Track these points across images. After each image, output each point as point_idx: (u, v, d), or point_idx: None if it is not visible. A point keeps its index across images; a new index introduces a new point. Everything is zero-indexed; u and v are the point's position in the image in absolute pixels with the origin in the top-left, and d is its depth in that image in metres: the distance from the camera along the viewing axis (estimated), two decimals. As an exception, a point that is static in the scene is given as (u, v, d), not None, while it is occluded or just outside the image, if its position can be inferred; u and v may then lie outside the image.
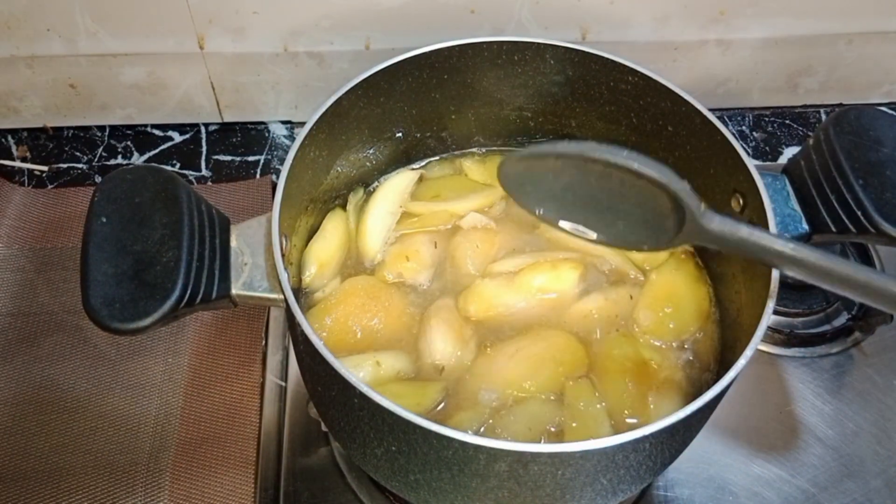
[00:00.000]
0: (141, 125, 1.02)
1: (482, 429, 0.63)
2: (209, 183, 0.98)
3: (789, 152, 1.03)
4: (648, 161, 0.51)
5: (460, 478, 0.55)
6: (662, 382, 0.66)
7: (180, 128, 1.03)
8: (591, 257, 0.73)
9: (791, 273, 0.51)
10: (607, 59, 0.71)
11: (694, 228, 0.52)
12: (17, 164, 0.99)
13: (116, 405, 0.79)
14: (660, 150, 0.74)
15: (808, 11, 0.93)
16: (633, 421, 0.64)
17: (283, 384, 0.82)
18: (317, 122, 0.66)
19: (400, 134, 0.78)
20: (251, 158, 1.01)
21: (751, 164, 0.63)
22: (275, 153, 1.01)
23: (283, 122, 1.04)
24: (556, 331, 0.69)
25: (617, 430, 0.62)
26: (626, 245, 0.58)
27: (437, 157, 0.83)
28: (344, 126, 0.71)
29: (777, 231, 0.61)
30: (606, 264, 0.73)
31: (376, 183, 0.80)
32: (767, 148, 1.04)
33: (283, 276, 0.57)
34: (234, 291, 0.59)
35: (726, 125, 0.81)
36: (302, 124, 0.66)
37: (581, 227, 0.57)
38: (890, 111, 0.82)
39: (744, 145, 1.00)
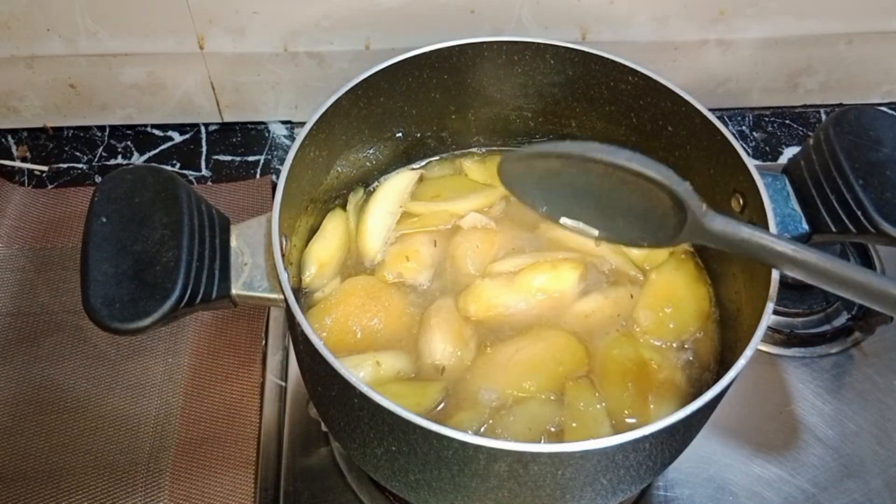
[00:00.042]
0: (141, 125, 1.03)
1: (482, 429, 0.63)
2: (209, 183, 0.98)
3: (789, 152, 1.03)
4: (649, 161, 0.51)
5: (460, 478, 0.55)
6: (662, 382, 0.66)
7: (180, 128, 1.03)
8: (591, 257, 0.73)
9: (791, 273, 0.51)
10: (607, 59, 0.71)
11: (695, 228, 0.52)
12: (17, 164, 0.99)
13: (116, 405, 0.79)
14: (660, 150, 0.74)
15: (808, 11, 0.93)
16: (633, 421, 0.64)
17: (283, 384, 0.82)
18: (317, 122, 0.66)
19: (400, 134, 0.78)
20: (251, 158, 1.01)
21: (751, 164, 0.63)
22: (275, 153, 1.01)
23: (283, 122, 1.04)
24: (556, 331, 0.69)
25: (617, 430, 0.62)
26: (627, 241, 0.58)
27: (437, 157, 0.83)
28: (344, 126, 0.71)
29: (777, 231, 0.61)
30: (606, 264, 0.73)
31: (376, 183, 0.80)
32: (767, 148, 1.04)
33: (283, 276, 0.57)
34: (234, 291, 0.59)
35: (726, 125, 0.81)
36: (302, 124, 0.66)
37: (581, 225, 0.57)
38: (890, 111, 0.82)
39: (744, 145, 1.00)
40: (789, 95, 1.06)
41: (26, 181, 0.97)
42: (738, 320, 0.67)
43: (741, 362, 0.54)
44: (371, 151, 0.77)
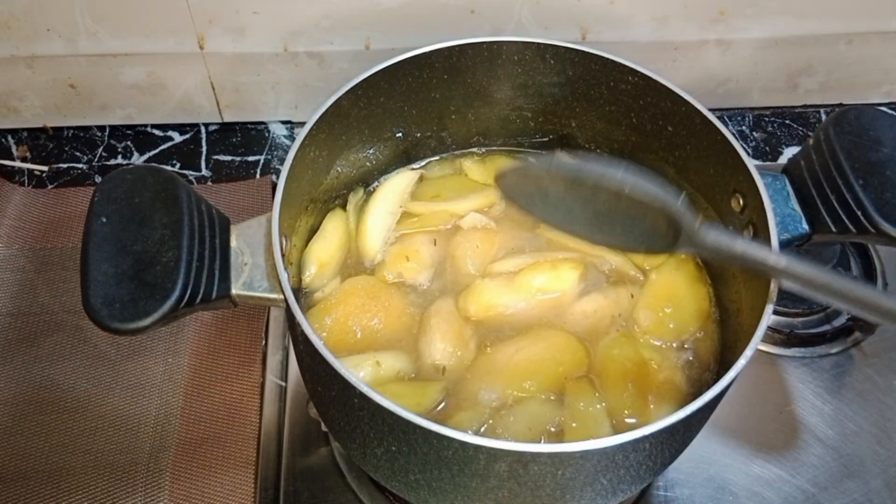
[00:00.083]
0: (141, 125, 1.02)
1: (482, 429, 0.63)
2: (209, 183, 0.98)
3: (789, 152, 1.03)
4: (642, 181, 0.52)
5: (460, 478, 0.55)
6: (662, 382, 0.66)
7: (180, 128, 1.03)
8: (591, 257, 0.73)
9: (787, 284, 0.52)
10: (607, 59, 0.71)
11: (690, 241, 0.53)
12: (17, 164, 0.99)
13: (116, 405, 0.79)
14: (660, 150, 0.74)
15: (808, 11, 0.93)
16: (633, 421, 0.64)
17: (283, 384, 0.82)
18: (317, 122, 0.66)
19: (400, 134, 0.78)
20: (251, 158, 1.01)
21: (751, 164, 0.63)
22: (275, 153, 1.01)
23: (283, 122, 1.04)
24: (556, 331, 0.69)
25: (617, 430, 0.62)
26: (625, 249, 0.59)
27: (437, 157, 0.83)
28: (344, 126, 0.71)
29: (777, 231, 0.61)
30: (606, 264, 0.73)
31: (376, 183, 0.80)
32: (767, 148, 1.04)
33: (283, 276, 0.57)
34: (234, 291, 0.59)
35: (726, 125, 0.81)
36: (302, 124, 0.66)
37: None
38: (890, 111, 0.82)
39: (744, 145, 1.00)
40: (789, 95, 1.06)
41: (26, 181, 0.97)
42: (738, 320, 0.67)
43: (741, 362, 0.54)
44: (371, 151, 0.77)
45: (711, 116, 0.67)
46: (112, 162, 1.00)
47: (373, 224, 0.75)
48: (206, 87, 0.97)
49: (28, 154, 1.00)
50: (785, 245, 0.63)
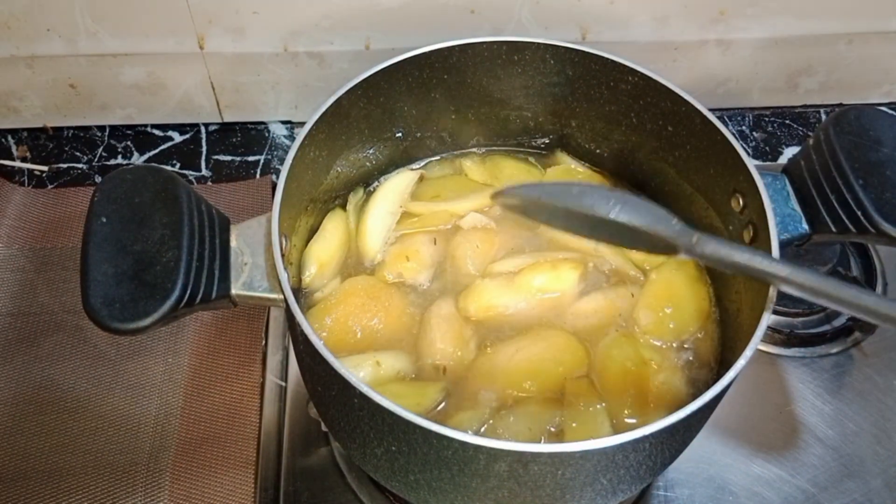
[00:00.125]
0: (141, 125, 1.03)
1: (482, 429, 0.63)
2: (209, 183, 0.98)
3: (789, 152, 1.03)
4: (634, 208, 0.53)
5: (460, 478, 0.55)
6: (662, 382, 0.66)
7: (180, 128, 1.03)
8: (591, 257, 0.73)
9: (787, 291, 0.52)
10: (607, 59, 0.71)
11: (689, 252, 0.54)
12: (17, 164, 0.99)
13: (116, 405, 0.79)
14: (660, 150, 0.74)
15: (808, 11, 0.93)
16: (633, 421, 0.64)
17: (283, 384, 0.82)
18: (317, 122, 0.66)
19: (400, 134, 0.78)
20: (251, 158, 1.01)
21: (751, 164, 0.63)
22: (275, 153, 1.01)
23: (283, 122, 1.04)
24: (556, 331, 0.69)
25: (617, 430, 0.62)
26: (628, 247, 0.59)
27: (437, 157, 0.83)
28: (344, 126, 0.71)
29: (777, 231, 0.61)
30: (606, 264, 0.73)
31: (376, 183, 0.80)
32: (767, 148, 1.04)
33: (283, 276, 0.57)
34: (234, 291, 0.59)
35: (726, 125, 0.81)
36: (302, 124, 0.66)
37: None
38: (890, 111, 0.82)
39: (744, 145, 1.00)
40: (789, 95, 1.06)
41: (26, 181, 0.97)
42: (738, 320, 0.67)
43: (741, 362, 0.54)
44: (371, 151, 0.77)
45: (711, 116, 0.67)
46: (112, 162, 1.00)
47: (373, 224, 0.75)
48: (206, 87, 0.97)
49: (28, 154, 1.00)
50: (785, 245, 0.63)
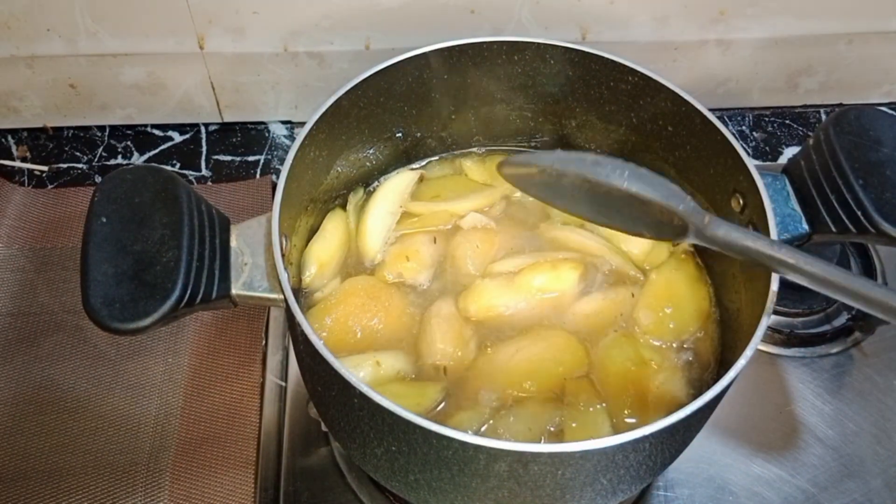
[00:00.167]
0: (141, 125, 1.03)
1: (482, 429, 0.63)
2: (209, 183, 0.98)
3: (789, 152, 1.03)
4: (646, 177, 0.52)
5: (460, 478, 0.55)
6: (662, 382, 0.66)
7: (180, 128, 1.03)
8: (591, 257, 0.73)
9: (794, 279, 0.52)
10: (607, 59, 0.71)
11: (699, 236, 0.53)
12: (17, 164, 0.99)
13: (116, 405, 0.79)
14: (660, 150, 0.74)
15: (808, 11, 0.93)
16: (633, 421, 0.64)
17: (283, 384, 0.82)
18: (317, 122, 0.66)
19: (400, 134, 0.78)
20: (251, 158, 1.01)
21: (751, 164, 0.63)
22: (275, 153, 1.01)
23: (283, 122, 1.04)
24: (556, 331, 0.69)
25: (617, 430, 0.62)
26: (631, 232, 0.58)
27: (437, 157, 0.83)
28: (344, 126, 0.71)
29: (777, 231, 0.61)
30: (606, 264, 0.73)
31: (376, 183, 0.80)
32: (767, 148, 1.04)
33: (283, 276, 0.57)
34: (234, 291, 0.59)
35: (726, 125, 0.81)
36: (302, 124, 0.66)
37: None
38: (890, 111, 0.82)
39: (744, 145, 1.00)
40: (789, 95, 1.06)
41: (26, 181, 0.97)
42: (738, 320, 0.67)
43: (741, 362, 0.54)
44: (371, 151, 0.77)
45: (711, 116, 0.67)
46: (112, 162, 1.00)
47: (373, 224, 0.75)
48: (206, 87, 0.97)
49: (28, 154, 1.00)
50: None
